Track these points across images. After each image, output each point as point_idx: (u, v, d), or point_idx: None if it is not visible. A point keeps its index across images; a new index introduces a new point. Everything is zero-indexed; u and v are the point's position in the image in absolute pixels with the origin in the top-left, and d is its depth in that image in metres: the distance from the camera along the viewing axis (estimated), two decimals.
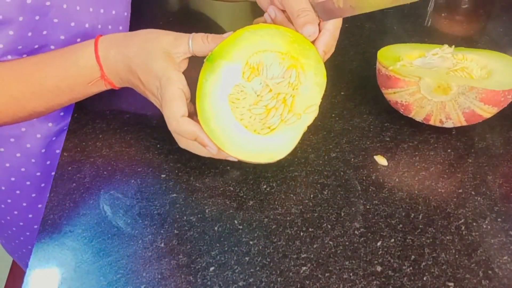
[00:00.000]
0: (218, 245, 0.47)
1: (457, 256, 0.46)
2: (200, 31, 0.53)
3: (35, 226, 0.76)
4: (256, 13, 0.67)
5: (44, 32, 0.58)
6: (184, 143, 0.52)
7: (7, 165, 0.67)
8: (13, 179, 0.69)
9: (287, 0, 0.51)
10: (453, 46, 0.60)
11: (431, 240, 0.47)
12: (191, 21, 0.81)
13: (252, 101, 0.50)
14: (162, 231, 0.48)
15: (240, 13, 0.88)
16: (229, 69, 0.49)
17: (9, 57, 0.57)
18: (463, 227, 0.48)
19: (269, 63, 0.51)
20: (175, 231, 0.48)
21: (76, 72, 0.54)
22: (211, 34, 0.52)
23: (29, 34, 0.56)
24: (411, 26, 0.82)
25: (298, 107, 0.51)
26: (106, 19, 0.63)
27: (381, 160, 0.55)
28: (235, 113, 0.49)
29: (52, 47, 0.59)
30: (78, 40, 0.61)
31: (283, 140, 0.50)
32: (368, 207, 0.50)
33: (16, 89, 0.55)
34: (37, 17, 0.55)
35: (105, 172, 0.54)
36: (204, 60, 0.50)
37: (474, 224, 0.49)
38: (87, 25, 0.61)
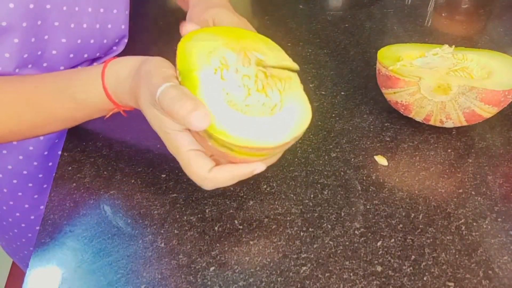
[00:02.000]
0: (218, 245, 0.47)
1: (457, 256, 0.46)
2: None
3: (37, 228, 0.76)
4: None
5: (46, 37, 0.57)
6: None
7: (9, 167, 0.67)
8: (15, 181, 0.69)
9: (219, 20, 0.52)
10: (453, 46, 0.60)
11: (431, 240, 0.47)
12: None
13: (243, 96, 0.46)
14: (162, 231, 0.48)
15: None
16: (206, 77, 0.44)
17: (17, 70, 0.57)
18: (463, 227, 0.48)
19: (226, 56, 0.47)
20: (175, 231, 0.48)
21: (90, 106, 0.51)
22: (190, 97, 0.40)
23: (33, 40, 0.56)
24: (411, 26, 0.82)
25: (278, 75, 0.47)
26: (106, 18, 0.63)
27: (381, 160, 0.55)
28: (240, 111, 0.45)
29: (54, 52, 0.59)
30: (79, 41, 0.61)
31: (298, 104, 0.45)
32: (368, 207, 0.50)
33: (29, 115, 0.52)
34: (39, 22, 0.55)
35: (105, 172, 0.55)
36: (178, 78, 0.43)
37: (474, 224, 0.49)
38: (85, 25, 0.60)
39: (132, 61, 0.47)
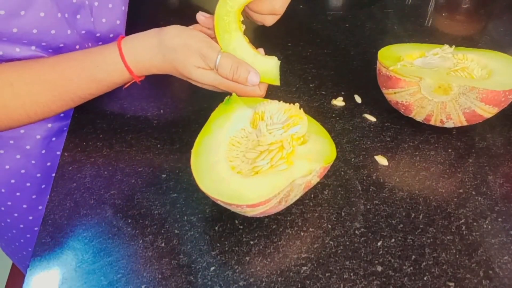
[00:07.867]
0: (218, 245, 0.47)
1: (457, 256, 0.46)
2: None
3: (35, 228, 0.76)
4: None
5: (34, 31, 0.55)
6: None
7: (7, 167, 0.67)
8: (13, 181, 0.69)
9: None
10: (454, 46, 0.60)
11: (431, 240, 0.47)
12: (192, 21, 0.81)
13: (251, 146, 0.48)
14: (162, 231, 0.48)
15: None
16: (241, 114, 0.51)
17: (18, 50, 0.56)
18: (463, 227, 0.48)
19: (273, 111, 0.50)
20: (176, 231, 0.48)
21: (108, 83, 0.56)
22: (242, 64, 0.54)
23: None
24: (411, 26, 0.82)
25: (293, 158, 0.46)
26: (100, 12, 0.62)
27: (382, 160, 0.55)
28: (230, 154, 0.47)
29: (44, 43, 0.58)
30: (68, 32, 0.59)
31: (260, 184, 0.44)
32: (368, 207, 0.50)
33: (45, 97, 0.55)
34: (22, 12, 0.53)
35: (105, 172, 0.54)
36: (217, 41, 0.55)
37: (475, 224, 0.49)
38: (78, 16, 0.59)
39: (147, 38, 0.55)
